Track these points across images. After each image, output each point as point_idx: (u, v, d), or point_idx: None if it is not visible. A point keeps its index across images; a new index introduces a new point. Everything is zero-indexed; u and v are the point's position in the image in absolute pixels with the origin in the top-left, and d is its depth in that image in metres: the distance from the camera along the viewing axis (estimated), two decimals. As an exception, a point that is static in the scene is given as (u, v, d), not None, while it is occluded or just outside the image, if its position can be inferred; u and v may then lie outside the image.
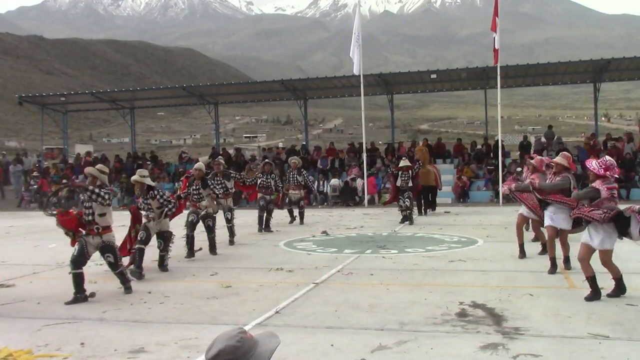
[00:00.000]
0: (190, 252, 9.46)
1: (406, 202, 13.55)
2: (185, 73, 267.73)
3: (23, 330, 5.38)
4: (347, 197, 20.94)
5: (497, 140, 20.74)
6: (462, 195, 20.92)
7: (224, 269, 8.33)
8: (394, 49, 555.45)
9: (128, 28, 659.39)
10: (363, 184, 20.71)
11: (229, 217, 10.86)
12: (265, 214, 12.72)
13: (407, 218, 13.65)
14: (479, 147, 24.12)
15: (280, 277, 7.60)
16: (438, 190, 17.03)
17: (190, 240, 9.46)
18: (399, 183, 13.87)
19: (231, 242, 10.72)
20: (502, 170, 19.07)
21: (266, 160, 14.16)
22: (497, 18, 18.69)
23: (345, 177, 22.09)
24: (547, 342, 4.59)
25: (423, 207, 15.91)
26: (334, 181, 21.83)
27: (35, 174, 25.74)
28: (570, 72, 24.33)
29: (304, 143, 27.28)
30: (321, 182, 22.24)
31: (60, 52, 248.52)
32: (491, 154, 22.02)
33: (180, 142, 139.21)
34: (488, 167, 21.62)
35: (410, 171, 13.94)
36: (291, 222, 14.33)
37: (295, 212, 14.43)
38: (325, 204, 21.40)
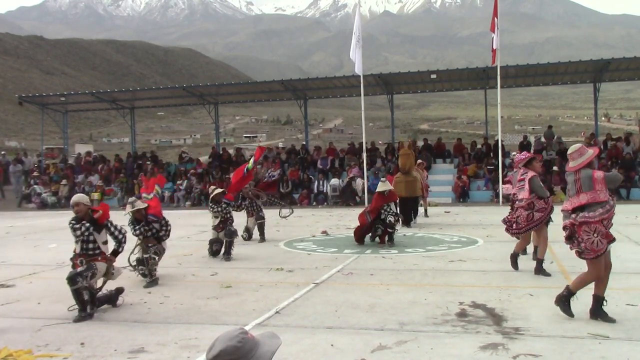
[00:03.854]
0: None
1: (390, 218, 10.25)
2: (185, 73, 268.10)
3: (23, 330, 5.37)
4: (347, 197, 20.94)
5: (497, 140, 20.75)
6: (462, 195, 20.92)
7: (224, 269, 8.33)
8: (394, 49, 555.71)
9: (128, 28, 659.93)
10: (363, 183, 20.70)
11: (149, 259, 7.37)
12: (225, 238, 9.42)
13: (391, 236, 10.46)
14: (479, 147, 24.14)
15: (280, 277, 7.60)
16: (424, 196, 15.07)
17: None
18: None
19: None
20: (502, 170, 19.07)
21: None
22: (496, 18, 18.68)
23: (346, 177, 22.09)
24: (547, 342, 4.58)
25: (410, 218, 13.67)
26: (334, 181, 21.83)
27: (35, 174, 25.77)
28: (570, 72, 24.33)
29: (304, 143, 27.28)
30: (321, 182, 22.25)
31: (60, 52, 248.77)
32: (491, 154, 22.02)
33: (180, 142, 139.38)
34: (488, 167, 21.63)
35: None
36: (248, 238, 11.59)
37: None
38: (325, 204, 21.41)
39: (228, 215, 9.62)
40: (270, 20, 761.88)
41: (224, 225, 9.44)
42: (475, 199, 20.92)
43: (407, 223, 13.34)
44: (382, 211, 10.27)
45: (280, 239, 11.62)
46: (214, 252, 9.40)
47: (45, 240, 12.42)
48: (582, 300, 5.91)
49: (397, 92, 27.71)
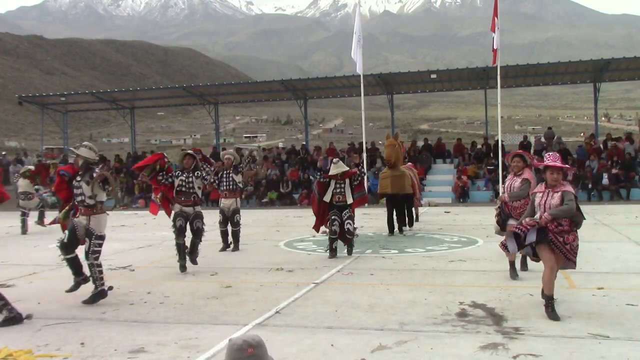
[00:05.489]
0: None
1: (348, 225, 9.03)
2: (185, 73, 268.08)
3: (23, 330, 5.37)
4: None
5: (497, 140, 20.75)
6: (462, 196, 20.93)
7: (224, 269, 8.32)
8: (394, 49, 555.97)
9: (128, 28, 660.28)
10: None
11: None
12: (192, 237, 8.33)
13: (333, 249, 9.06)
14: (479, 147, 24.14)
15: (280, 277, 7.60)
16: (415, 199, 13.09)
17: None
18: (328, 197, 9.13)
19: None
20: (502, 170, 19.07)
21: (187, 151, 8.65)
22: (496, 18, 18.67)
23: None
24: (547, 342, 4.58)
25: (397, 224, 11.88)
26: (334, 181, 21.79)
27: (35, 174, 25.75)
28: (570, 72, 24.35)
29: (304, 143, 27.29)
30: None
31: (60, 52, 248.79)
32: (491, 154, 22.03)
33: (180, 142, 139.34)
34: (488, 167, 21.64)
35: (348, 180, 9.15)
36: (223, 249, 10.19)
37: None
38: (325, 204, 21.38)
39: (191, 186, 8.20)
40: (270, 20, 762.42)
41: (187, 197, 8.19)
42: (475, 199, 20.93)
43: (392, 229, 11.71)
44: (341, 214, 9.07)
45: (280, 239, 11.62)
46: (178, 229, 8.16)
47: (45, 240, 12.42)
48: (582, 300, 5.91)
49: (397, 92, 27.73)
